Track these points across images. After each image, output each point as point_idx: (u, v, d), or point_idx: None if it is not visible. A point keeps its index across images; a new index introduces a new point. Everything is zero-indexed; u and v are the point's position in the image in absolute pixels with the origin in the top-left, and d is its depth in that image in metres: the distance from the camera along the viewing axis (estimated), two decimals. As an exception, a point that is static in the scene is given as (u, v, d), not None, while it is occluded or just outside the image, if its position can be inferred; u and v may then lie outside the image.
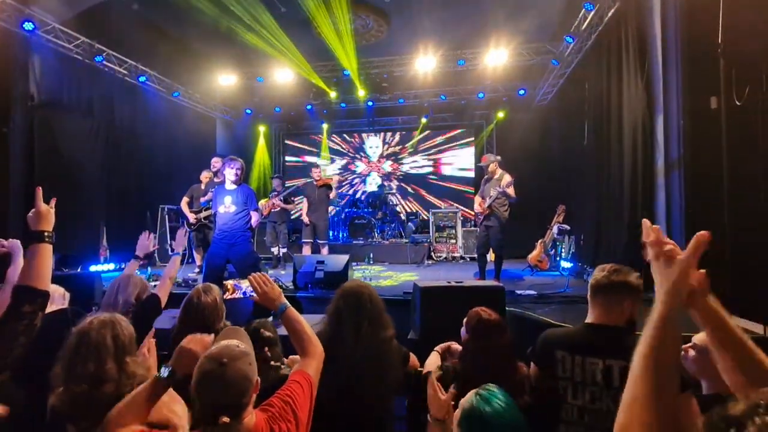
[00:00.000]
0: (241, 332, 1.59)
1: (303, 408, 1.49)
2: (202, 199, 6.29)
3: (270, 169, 11.72)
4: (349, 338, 1.93)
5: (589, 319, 1.85)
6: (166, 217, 8.00)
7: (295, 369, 1.62)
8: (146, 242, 2.89)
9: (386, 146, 11.66)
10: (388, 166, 11.63)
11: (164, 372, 1.42)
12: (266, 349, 1.99)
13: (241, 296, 3.75)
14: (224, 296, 2.48)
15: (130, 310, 2.27)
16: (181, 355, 1.50)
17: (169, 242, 7.79)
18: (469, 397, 1.38)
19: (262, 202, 7.39)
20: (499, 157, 5.77)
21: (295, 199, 7.84)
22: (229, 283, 3.97)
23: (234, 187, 4.71)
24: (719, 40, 3.34)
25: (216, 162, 6.45)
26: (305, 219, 7.00)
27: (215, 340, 1.50)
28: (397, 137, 11.63)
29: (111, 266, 6.80)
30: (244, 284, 3.82)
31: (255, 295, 1.72)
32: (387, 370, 1.96)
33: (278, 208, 7.51)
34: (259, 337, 1.97)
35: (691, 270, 0.92)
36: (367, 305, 2.01)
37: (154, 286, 2.60)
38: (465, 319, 2.02)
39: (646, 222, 1.03)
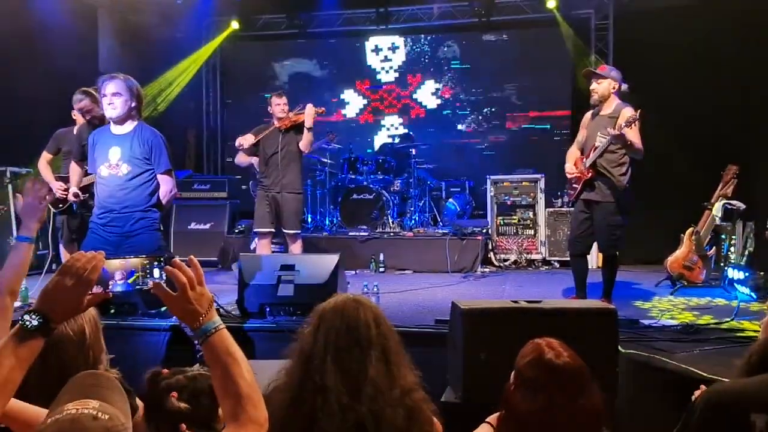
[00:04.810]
0: (108, 382, 1.59)
1: None
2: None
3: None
4: (361, 397, 1.98)
5: None
6: (10, 186, 8.09)
7: None
8: (35, 201, 2.75)
9: (409, 55, 11.65)
10: (426, 93, 11.58)
11: (31, 320, 1.49)
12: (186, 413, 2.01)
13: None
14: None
15: None
16: (53, 292, 1.56)
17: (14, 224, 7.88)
18: None
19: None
20: (625, 85, 5.60)
21: None
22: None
23: (125, 130, 4.74)
24: None
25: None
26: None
27: (54, 402, 1.48)
28: (428, 41, 11.62)
29: None
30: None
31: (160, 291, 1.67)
32: None
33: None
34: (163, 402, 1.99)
35: None
36: (383, 333, 2.08)
37: None
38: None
39: None
